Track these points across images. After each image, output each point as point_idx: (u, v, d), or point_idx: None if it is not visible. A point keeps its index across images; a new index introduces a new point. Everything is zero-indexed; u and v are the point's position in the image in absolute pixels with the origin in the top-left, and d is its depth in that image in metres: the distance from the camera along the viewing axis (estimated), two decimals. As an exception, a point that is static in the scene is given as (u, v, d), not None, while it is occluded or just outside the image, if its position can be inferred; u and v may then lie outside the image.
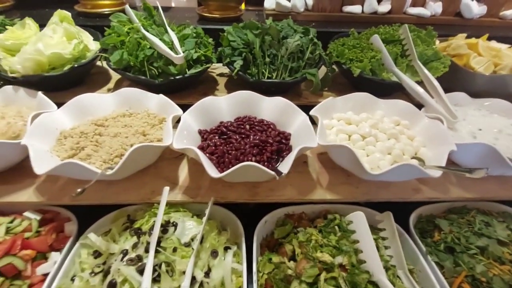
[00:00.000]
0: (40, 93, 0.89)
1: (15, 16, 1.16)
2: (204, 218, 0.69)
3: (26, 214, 0.75)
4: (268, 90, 1.02)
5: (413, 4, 1.44)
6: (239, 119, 0.91)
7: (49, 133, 0.78)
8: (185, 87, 1.06)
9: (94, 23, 1.30)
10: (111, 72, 1.18)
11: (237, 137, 0.83)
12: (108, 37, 0.95)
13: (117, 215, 0.79)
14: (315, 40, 1.03)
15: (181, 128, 0.76)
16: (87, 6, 1.32)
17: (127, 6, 1.05)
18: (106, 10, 1.32)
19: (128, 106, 0.92)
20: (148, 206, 0.77)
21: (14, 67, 0.90)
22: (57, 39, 1.00)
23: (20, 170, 0.81)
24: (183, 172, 0.84)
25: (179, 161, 0.87)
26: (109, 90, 1.07)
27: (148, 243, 0.64)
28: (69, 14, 1.10)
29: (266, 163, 0.77)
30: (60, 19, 1.09)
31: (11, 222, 0.72)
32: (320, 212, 0.84)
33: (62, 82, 1.02)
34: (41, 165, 0.64)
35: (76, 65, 0.97)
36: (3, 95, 0.91)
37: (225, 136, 0.84)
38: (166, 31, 1.00)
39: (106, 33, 0.99)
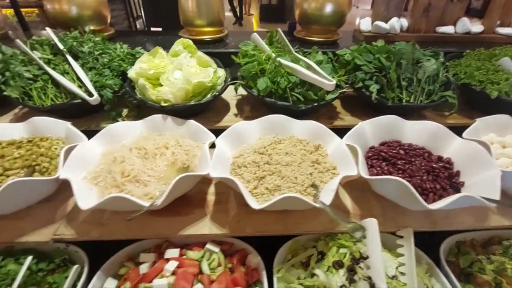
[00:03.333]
0: (193, 121, 0.89)
1: (114, 42, 1.18)
2: (410, 250, 0.67)
3: (209, 247, 0.73)
4: (403, 113, 1.02)
5: (501, 25, 1.47)
6: (386, 143, 0.91)
7: (224, 163, 0.78)
8: (314, 112, 1.06)
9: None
10: (224, 96, 1.20)
11: (401, 162, 0.82)
12: (250, 66, 0.97)
13: (293, 245, 0.77)
14: (446, 63, 1.04)
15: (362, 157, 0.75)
16: (192, 33, 1.36)
17: (255, 34, 1.08)
18: (207, 37, 1.35)
19: (275, 133, 0.92)
20: (327, 235, 0.76)
21: (165, 96, 0.91)
22: (195, 68, 1.02)
23: (186, 199, 0.81)
24: (345, 198, 0.83)
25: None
26: (236, 116, 1.08)
27: (365, 278, 0.62)
28: (191, 42, 1.12)
29: (441, 191, 0.76)
30: (184, 47, 1.11)
31: (202, 257, 0.71)
32: (491, 238, 0.82)
33: (200, 109, 1.03)
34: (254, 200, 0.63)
35: (217, 93, 0.98)
36: (153, 124, 0.92)
37: (387, 162, 0.84)
38: (299, 58, 1.01)
39: (242, 62, 1.01)
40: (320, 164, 0.79)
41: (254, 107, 1.13)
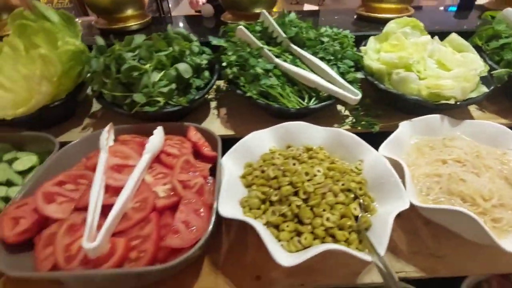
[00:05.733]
0: (491, 123, 0.72)
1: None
2: None
3: None
4: None
5: None
6: None
7: None
8: None
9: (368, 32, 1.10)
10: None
11: None
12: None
13: None
14: None
15: None
16: (371, 10, 1.15)
17: (509, 9, 0.87)
18: (389, 16, 1.14)
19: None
20: None
21: (449, 92, 0.73)
22: (455, 55, 0.84)
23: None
24: None
25: None
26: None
27: None
28: (418, 21, 0.93)
29: None
30: (411, 27, 0.92)
31: None
32: None
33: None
34: None
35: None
36: (429, 128, 0.75)
37: None
38: None
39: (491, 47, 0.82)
40: None
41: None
